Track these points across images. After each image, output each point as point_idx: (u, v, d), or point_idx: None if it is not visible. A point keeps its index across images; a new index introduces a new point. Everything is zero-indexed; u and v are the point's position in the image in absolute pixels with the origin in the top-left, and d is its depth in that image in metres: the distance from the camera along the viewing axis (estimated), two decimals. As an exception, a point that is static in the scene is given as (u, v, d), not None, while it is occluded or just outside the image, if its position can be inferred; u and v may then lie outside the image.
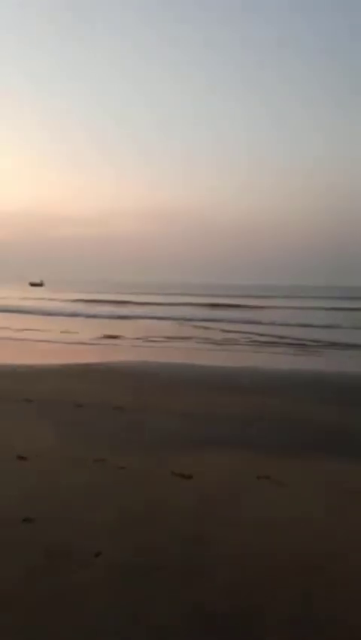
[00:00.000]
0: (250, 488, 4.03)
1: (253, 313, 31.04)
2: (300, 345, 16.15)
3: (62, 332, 18.70)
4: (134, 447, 4.98)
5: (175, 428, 5.79)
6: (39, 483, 3.99)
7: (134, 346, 15.17)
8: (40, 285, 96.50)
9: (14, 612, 2.41)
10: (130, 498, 3.76)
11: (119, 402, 6.87)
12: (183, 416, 6.33)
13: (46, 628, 2.31)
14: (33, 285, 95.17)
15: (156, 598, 2.56)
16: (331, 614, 2.47)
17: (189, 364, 11.03)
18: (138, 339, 17.08)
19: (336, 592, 2.65)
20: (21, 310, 29.38)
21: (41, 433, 5.37)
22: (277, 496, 3.89)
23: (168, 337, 17.80)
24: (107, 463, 4.47)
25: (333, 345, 16.35)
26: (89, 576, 2.72)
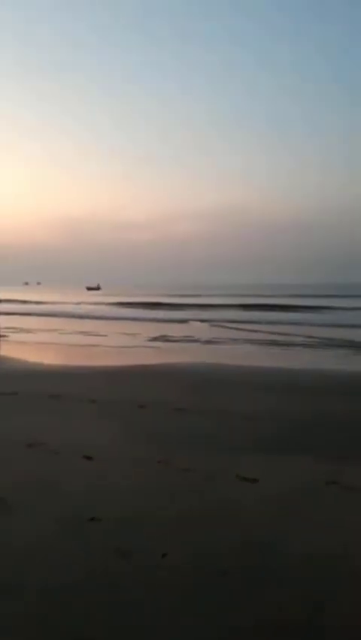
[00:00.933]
0: (319, 494, 3.90)
1: (310, 314, 30.20)
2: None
3: (120, 334, 19.07)
4: (197, 449, 4.96)
5: (238, 431, 5.72)
6: (104, 483, 4.05)
7: (193, 348, 15.19)
8: (97, 289, 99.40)
9: (83, 612, 2.46)
10: (195, 500, 3.74)
11: (181, 403, 6.88)
12: (244, 418, 6.24)
13: (117, 629, 2.33)
14: (90, 289, 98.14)
15: (225, 601, 2.53)
16: None
17: (248, 366, 10.90)
18: (195, 340, 17.11)
19: None
20: (79, 315, 30.10)
21: (106, 433, 5.47)
22: (347, 502, 3.74)
23: (226, 338, 17.71)
24: (171, 464, 4.48)
25: None
26: (158, 577, 2.73)
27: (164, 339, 17.52)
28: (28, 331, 19.99)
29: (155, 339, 17.45)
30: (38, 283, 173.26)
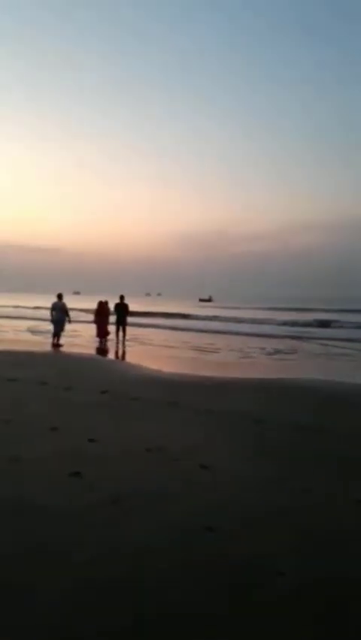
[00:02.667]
0: None
1: None
2: None
3: (233, 346, 19.09)
4: (316, 469, 4.80)
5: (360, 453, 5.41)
6: (220, 494, 4.09)
7: (310, 364, 14.67)
8: (208, 300, 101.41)
9: (202, 626, 2.50)
10: (312, 522, 3.63)
11: (300, 421, 6.70)
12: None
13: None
14: (202, 300, 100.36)
15: (344, 628, 2.42)
16: None
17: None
18: (312, 356, 16.51)
19: None
20: (192, 328, 30.23)
21: (222, 444, 5.51)
22: None
23: (341, 355, 16.81)
24: (289, 483, 4.39)
25: None
26: (274, 595, 2.70)
27: (277, 353, 17.17)
28: (149, 341, 20.90)
29: (269, 352, 17.18)
30: (159, 294, 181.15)
